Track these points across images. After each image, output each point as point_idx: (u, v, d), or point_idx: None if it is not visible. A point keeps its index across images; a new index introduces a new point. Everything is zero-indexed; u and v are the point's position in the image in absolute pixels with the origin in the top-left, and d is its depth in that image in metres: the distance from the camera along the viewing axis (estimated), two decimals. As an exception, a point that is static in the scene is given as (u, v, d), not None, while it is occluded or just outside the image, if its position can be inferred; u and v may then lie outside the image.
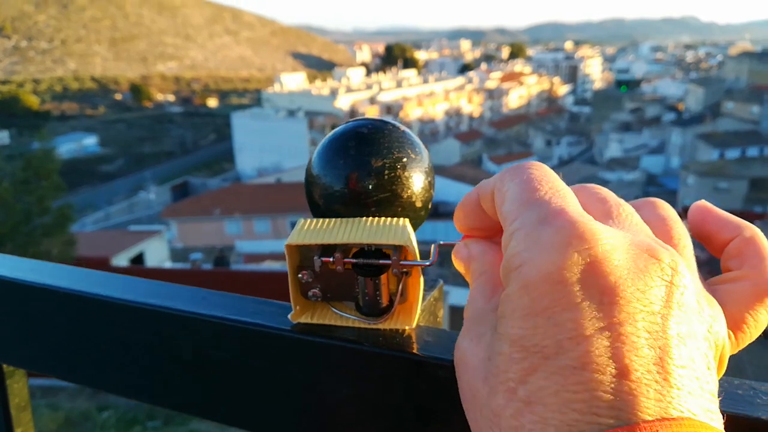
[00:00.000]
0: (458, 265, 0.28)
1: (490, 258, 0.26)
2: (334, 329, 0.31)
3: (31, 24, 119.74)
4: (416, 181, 0.31)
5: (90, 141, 65.27)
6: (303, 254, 0.30)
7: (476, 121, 69.95)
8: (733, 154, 39.99)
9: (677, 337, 0.20)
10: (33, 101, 76.13)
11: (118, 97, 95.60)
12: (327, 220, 0.31)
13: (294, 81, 70.24)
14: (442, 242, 0.30)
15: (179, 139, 71.44)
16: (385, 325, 0.30)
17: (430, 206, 0.33)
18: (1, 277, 0.39)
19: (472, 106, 71.31)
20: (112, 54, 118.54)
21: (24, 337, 0.40)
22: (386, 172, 0.31)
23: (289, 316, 0.32)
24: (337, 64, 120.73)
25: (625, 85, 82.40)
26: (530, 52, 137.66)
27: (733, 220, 0.26)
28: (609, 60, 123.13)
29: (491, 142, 56.22)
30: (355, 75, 77.26)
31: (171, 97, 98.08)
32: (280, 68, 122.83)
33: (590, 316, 0.19)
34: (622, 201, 0.25)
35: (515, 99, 78.80)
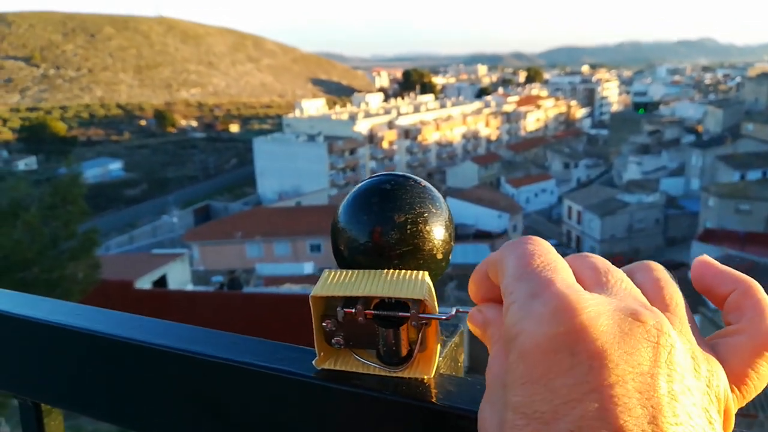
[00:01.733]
0: (474, 329, 0.29)
1: (497, 317, 0.27)
2: (356, 376, 0.32)
3: (59, 53, 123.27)
4: (437, 235, 0.33)
5: (115, 166, 66.74)
6: (327, 304, 0.32)
7: (494, 144, 70.10)
8: (754, 175, 39.62)
9: (668, 395, 0.21)
10: (60, 128, 78.04)
11: (143, 123, 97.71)
12: (350, 272, 0.32)
13: (314, 106, 71.26)
14: (460, 309, 0.31)
15: (202, 163, 72.64)
16: (405, 373, 0.32)
17: (450, 257, 0.34)
18: (41, 321, 0.42)
19: (489, 129, 71.58)
20: (137, 81, 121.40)
21: (61, 378, 0.42)
22: (408, 226, 0.32)
23: (313, 362, 0.33)
24: (356, 90, 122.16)
25: (643, 107, 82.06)
26: (547, 75, 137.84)
27: (731, 274, 0.27)
28: (626, 83, 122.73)
29: (509, 164, 56.35)
30: (374, 100, 78.13)
31: (194, 123, 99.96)
32: (301, 94, 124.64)
33: (582, 380, 0.20)
34: (612, 267, 0.27)
35: (532, 122, 78.92)
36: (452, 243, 0.34)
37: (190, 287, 17.80)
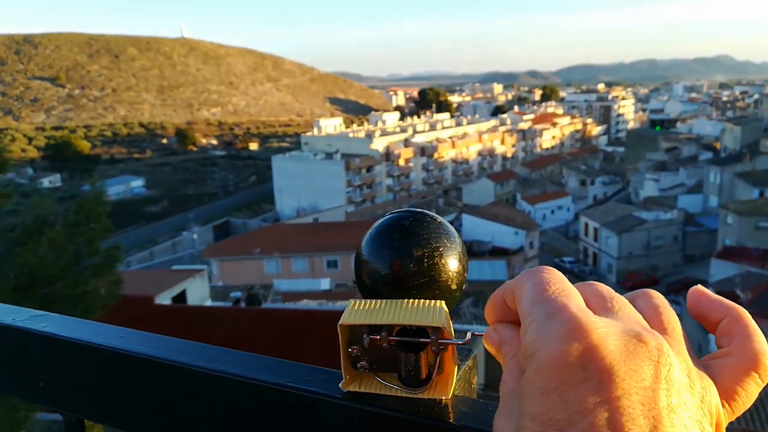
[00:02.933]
0: (489, 347, 0.32)
1: (518, 342, 0.29)
2: (379, 397, 0.35)
3: (84, 73, 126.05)
4: (451, 267, 0.37)
5: (137, 183, 67.92)
6: (353, 331, 0.35)
7: (510, 162, 70.08)
8: (773, 192, 39.26)
9: (668, 407, 0.24)
10: (84, 146, 79.56)
11: (165, 141, 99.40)
12: (374, 301, 0.36)
13: (332, 125, 72.00)
14: (475, 332, 0.34)
15: (222, 181, 73.61)
16: (425, 395, 0.35)
17: (464, 286, 0.38)
18: (86, 343, 0.46)
19: (505, 146, 71.67)
20: (159, 101, 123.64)
21: (102, 396, 0.46)
22: (426, 260, 0.36)
23: (340, 385, 0.36)
24: (373, 109, 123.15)
25: (660, 124, 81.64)
26: (562, 93, 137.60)
27: (723, 302, 0.31)
28: (642, 100, 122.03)
29: (525, 181, 56.32)
30: (390, 119, 78.72)
31: (214, 142, 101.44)
32: (319, 113, 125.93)
33: (592, 392, 0.24)
34: (616, 295, 0.30)
35: (548, 139, 78.82)
36: (465, 274, 0.38)
37: (208, 303, 18.00)
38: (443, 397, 0.35)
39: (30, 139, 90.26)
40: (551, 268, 0.31)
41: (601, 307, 0.29)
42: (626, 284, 33.60)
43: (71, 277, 7.07)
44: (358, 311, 0.35)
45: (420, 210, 0.38)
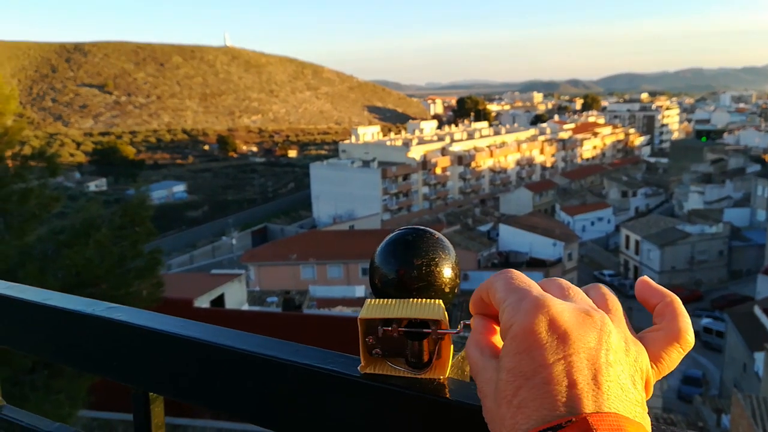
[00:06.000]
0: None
1: (482, 325, 0.42)
2: (389, 378, 0.45)
3: (130, 81, 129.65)
4: (446, 274, 0.46)
5: (179, 188, 69.33)
6: (369, 324, 0.45)
7: (549, 171, 69.04)
8: (825, 207, 37.74)
9: (606, 363, 0.35)
10: (130, 151, 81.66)
11: (206, 148, 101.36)
12: (386, 300, 0.45)
13: (369, 133, 72.25)
14: (467, 322, 0.43)
15: (261, 187, 74.62)
16: (426, 375, 0.45)
17: (456, 290, 0.47)
18: (152, 329, 0.56)
19: (544, 156, 70.68)
20: (202, 108, 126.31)
21: (163, 373, 0.56)
22: (424, 268, 0.45)
23: (358, 368, 0.46)
24: (410, 117, 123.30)
25: (706, 135, 79.36)
26: (604, 103, 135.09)
27: (660, 290, 0.41)
28: (688, 110, 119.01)
29: (564, 192, 55.44)
30: (428, 127, 78.56)
31: (254, 149, 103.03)
32: (357, 121, 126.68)
33: (552, 351, 0.34)
34: (572, 286, 0.41)
35: (589, 149, 77.40)
36: (458, 280, 0.47)
37: (246, 307, 18.16)
38: (441, 377, 0.45)
39: (78, 144, 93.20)
40: (514, 269, 0.41)
41: (560, 294, 0.39)
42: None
43: (115, 279, 7.18)
44: (373, 308, 0.45)
45: (422, 227, 0.48)
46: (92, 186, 65.73)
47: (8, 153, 7.84)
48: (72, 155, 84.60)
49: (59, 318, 0.63)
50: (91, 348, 0.62)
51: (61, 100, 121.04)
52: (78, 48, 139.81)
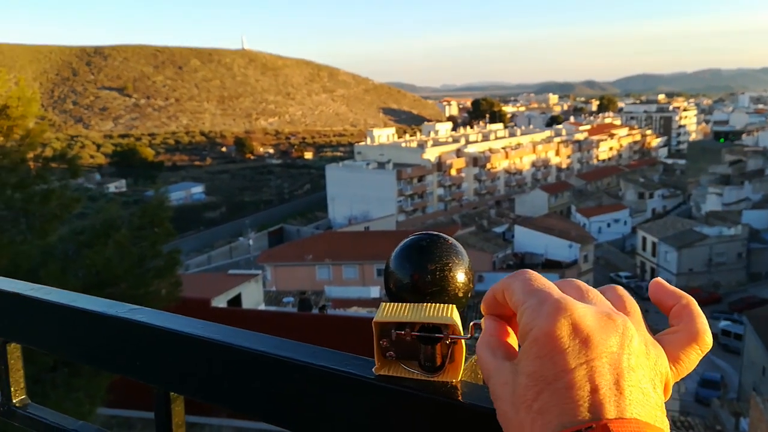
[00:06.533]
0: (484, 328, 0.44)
1: (493, 326, 0.42)
2: (403, 380, 0.45)
3: (149, 84, 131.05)
4: (459, 279, 0.47)
5: (197, 190, 70.01)
6: (383, 327, 0.45)
7: (564, 173, 68.62)
8: None
9: (628, 367, 0.34)
10: (149, 153, 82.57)
11: (224, 150, 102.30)
12: (401, 304, 0.46)
13: (384, 135, 72.38)
14: (477, 322, 0.44)
15: (277, 188, 75.11)
16: (439, 378, 0.45)
17: (470, 294, 0.48)
18: (173, 330, 0.58)
19: (560, 157, 70.27)
20: (220, 111, 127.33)
21: (184, 373, 0.58)
22: (437, 272, 0.46)
23: (372, 369, 0.47)
24: (426, 119, 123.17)
25: (724, 136, 78.48)
26: (621, 104, 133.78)
27: (676, 291, 0.41)
28: (705, 111, 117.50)
29: (580, 193, 55.10)
30: (443, 129, 78.50)
31: (271, 150, 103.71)
32: (372, 123, 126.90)
33: (574, 355, 0.34)
34: (590, 288, 0.40)
35: (605, 151, 76.73)
36: (471, 285, 0.48)
37: (262, 307, 18.31)
38: (453, 381, 0.45)
39: (98, 146, 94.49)
40: (532, 270, 0.40)
41: (578, 297, 0.38)
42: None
43: (135, 279, 7.31)
44: (388, 311, 0.45)
45: (436, 233, 0.48)
46: (112, 187, 66.56)
47: (30, 155, 8.03)
48: (92, 157, 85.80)
49: (84, 319, 0.65)
50: (115, 348, 0.63)
51: (81, 103, 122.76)
52: (98, 51, 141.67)
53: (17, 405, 0.74)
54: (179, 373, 0.59)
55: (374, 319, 0.45)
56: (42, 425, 0.71)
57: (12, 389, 0.74)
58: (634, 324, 0.37)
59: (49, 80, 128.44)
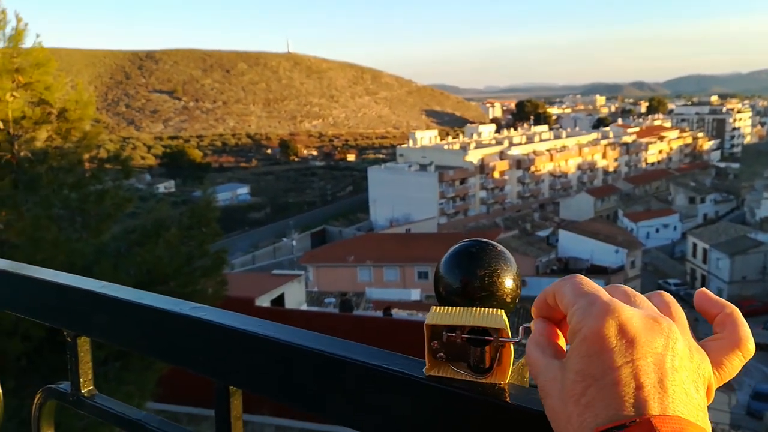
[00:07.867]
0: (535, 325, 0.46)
1: (543, 327, 0.44)
2: (452, 381, 0.47)
3: (198, 87, 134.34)
4: (507, 284, 0.48)
5: (243, 191, 71.44)
6: (434, 330, 0.47)
7: (611, 176, 67.15)
8: None
9: (671, 368, 0.36)
10: (197, 154, 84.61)
11: (269, 151, 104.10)
12: (451, 308, 0.48)
13: (427, 137, 72.24)
14: (526, 325, 0.46)
15: (320, 190, 75.94)
16: (487, 380, 0.46)
17: (517, 300, 0.50)
18: (232, 327, 0.61)
19: (607, 160, 68.79)
20: (265, 113, 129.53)
21: (244, 368, 0.61)
22: (486, 278, 0.47)
23: (423, 370, 0.48)
24: (469, 121, 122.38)
25: (782, 139, 75.49)
26: (671, 105, 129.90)
27: (720, 301, 0.43)
28: (761, 113, 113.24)
29: (628, 197, 53.78)
30: (486, 131, 77.84)
31: (315, 152, 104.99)
32: (415, 125, 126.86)
33: (621, 354, 0.36)
34: (637, 293, 0.42)
35: (654, 154, 74.71)
36: (519, 291, 0.49)
37: (304, 307, 18.50)
38: (501, 383, 0.46)
39: (149, 148, 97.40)
40: (582, 275, 0.43)
41: (626, 301, 0.40)
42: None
43: (183, 277, 7.47)
44: (439, 314, 0.47)
45: (485, 240, 0.50)
46: (161, 188, 68.39)
47: (86, 156, 8.34)
48: (143, 158, 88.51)
49: (150, 315, 0.68)
50: (179, 343, 0.67)
51: (133, 106, 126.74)
52: (149, 56, 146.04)
53: (86, 395, 0.77)
54: (238, 369, 0.61)
55: (426, 322, 0.47)
56: (108, 414, 0.75)
57: (81, 380, 0.77)
58: (679, 328, 0.39)
59: (103, 83, 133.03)
